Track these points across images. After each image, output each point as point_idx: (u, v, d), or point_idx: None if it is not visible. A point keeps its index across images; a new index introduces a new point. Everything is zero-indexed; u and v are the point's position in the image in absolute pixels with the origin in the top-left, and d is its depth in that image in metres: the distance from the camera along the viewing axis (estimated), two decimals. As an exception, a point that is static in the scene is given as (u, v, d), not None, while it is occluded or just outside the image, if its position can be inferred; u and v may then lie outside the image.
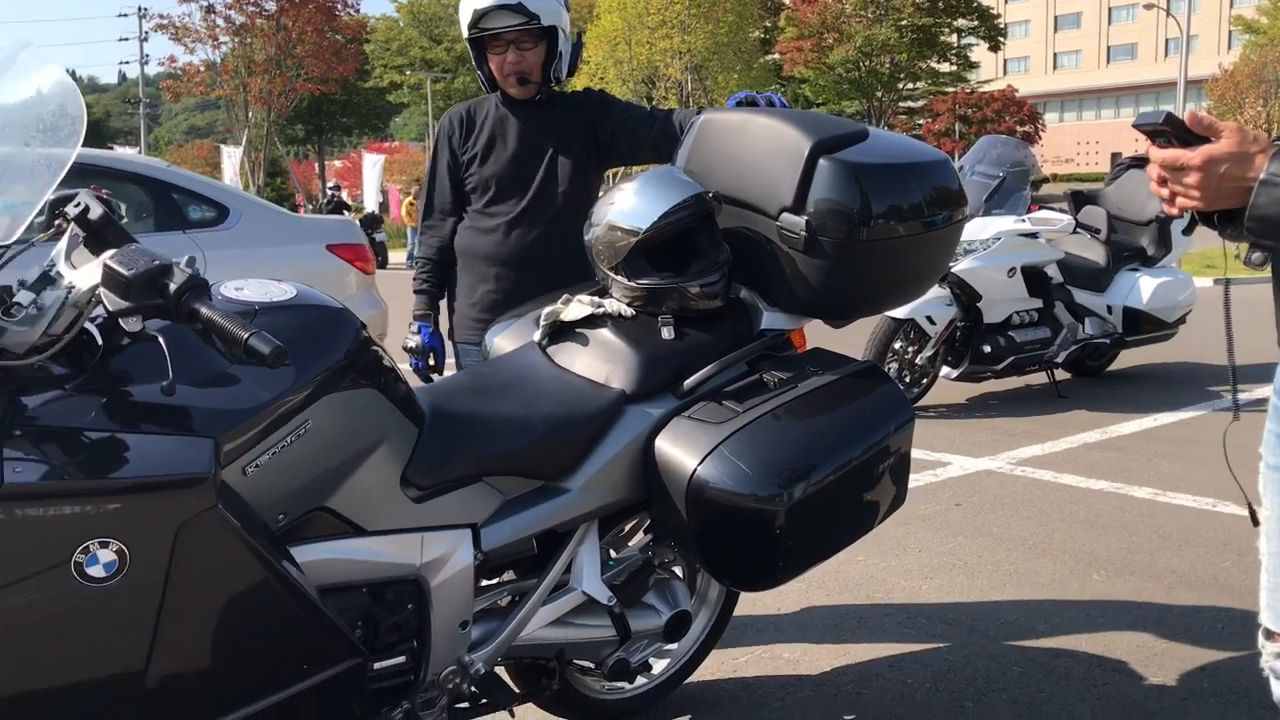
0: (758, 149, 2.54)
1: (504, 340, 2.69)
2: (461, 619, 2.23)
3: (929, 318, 6.35)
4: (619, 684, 2.74)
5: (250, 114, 34.77)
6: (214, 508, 1.71)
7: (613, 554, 2.57)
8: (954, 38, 41.87)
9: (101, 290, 1.70)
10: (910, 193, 2.53)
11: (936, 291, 6.40)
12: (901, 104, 42.69)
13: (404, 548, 2.14)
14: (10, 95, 1.84)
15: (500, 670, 2.53)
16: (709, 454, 2.27)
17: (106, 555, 1.65)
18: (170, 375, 1.67)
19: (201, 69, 35.05)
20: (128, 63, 68.49)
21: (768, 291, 2.60)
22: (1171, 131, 1.52)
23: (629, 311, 2.52)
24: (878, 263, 2.51)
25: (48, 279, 1.78)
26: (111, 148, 28.29)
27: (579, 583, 2.42)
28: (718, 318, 2.54)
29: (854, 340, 6.21)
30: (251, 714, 1.89)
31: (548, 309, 2.56)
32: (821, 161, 2.43)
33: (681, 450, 2.31)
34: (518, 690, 2.53)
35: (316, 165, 51.71)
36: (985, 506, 4.59)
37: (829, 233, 2.42)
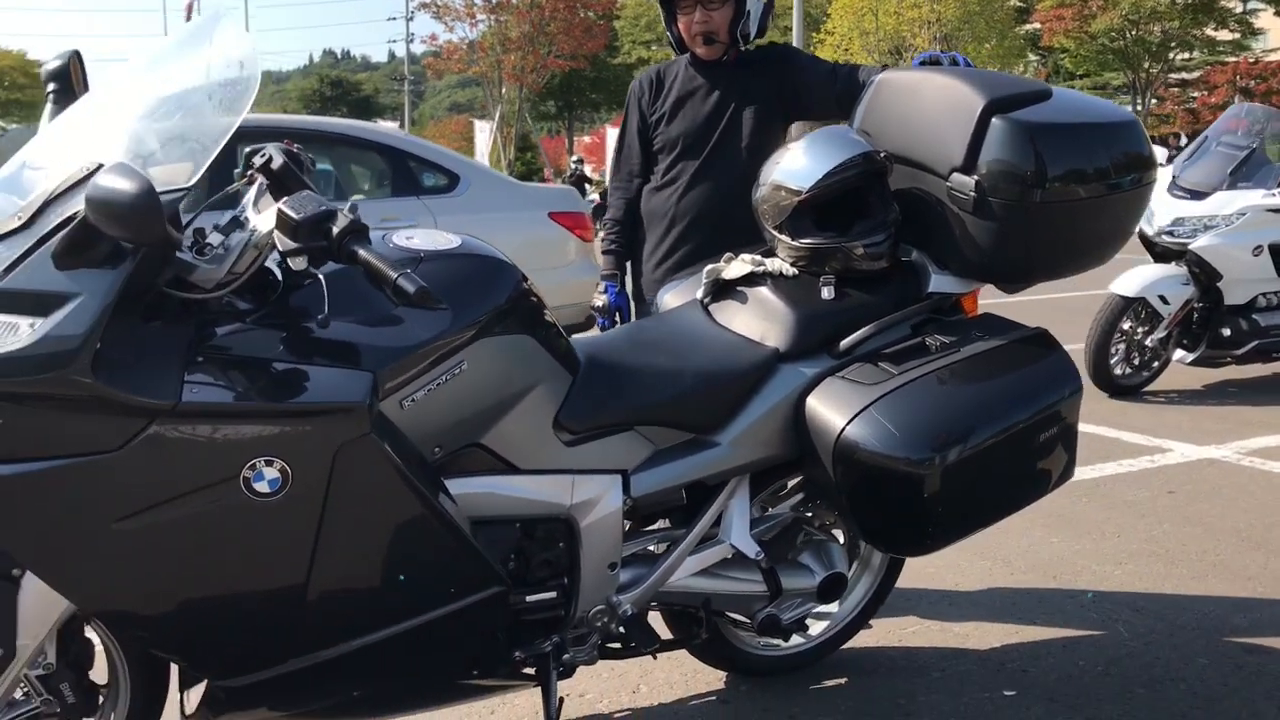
0: (931, 108, 2.50)
1: (673, 298, 2.75)
2: (610, 560, 2.32)
3: (1162, 297, 5.99)
4: (773, 640, 2.77)
5: (504, 90, 36.11)
6: (368, 435, 1.86)
7: (765, 510, 2.59)
8: (1235, 2, 38.79)
9: (275, 232, 1.86)
10: (1091, 154, 2.43)
11: (1172, 269, 6.04)
12: (1173, 75, 39.94)
13: (555, 487, 2.24)
14: (205, 55, 2.03)
15: (656, 616, 2.61)
16: (858, 414, 2.27)
17: (271, 472, 1.82)
18: (325, 311, 1.82)
19: (460, 47, 36.65)
20: (395, 41, 72.30)
21: (938, 254, 2.55)
22: None
23: (791, 271, 2.53)
24: (1053, 226, 2.43)
25: (236, 223, 1.96)
26: (376, 121, 30.05)
27: (727, 535, 2.46)
28: (883, 279, 2.52)
29: (1080, 320, 5.96)
30: (402, 631, 2.05)
31: (710, 266, 2.60)
32: (995, 121, 2.36)
33: (831, 409, 2.32)
34: (669, 636, 2.60)
35: (566, 140, 53.17)
36: (1201, 495, 4.33)
37: (1000, 194, 2.36)
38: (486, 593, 2.08)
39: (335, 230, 1.83)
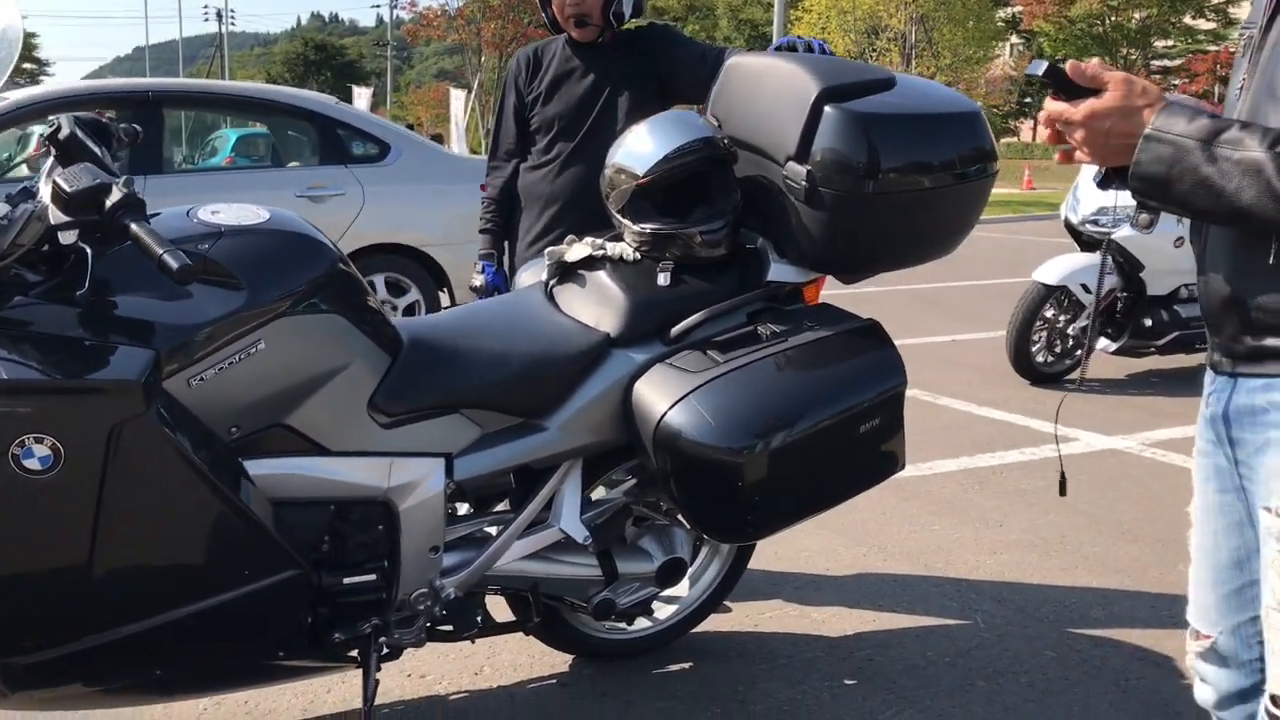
0: (772, 94, 2.48)
1: (528, 277, 2.74)
2: (432, 544, 2.31)
3: (1084, 285, 6.00)
4: (619, 624, 2.77)
5: (484, 58, 35.86)
6: (143, 414, 1.83)
7: (597, 495, 2.58)
8: (1213, -8, 38.80)
9: (49, 205, 1.83)
10: (928, 146, 2.42)
11: (1093, 259, 6.04)
12: (1154, 62, 39.97)
13: (369, 470, 2.23)
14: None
15: (499, 600, 2.60)
16: (677, 402, 2.26)
17: (42, 450, 1.79)
18: (86, 286, 1.79)
19: (440, 13, 36.37)
20: (380, 5, 71.62)
21: (778, 242, 2.54)
22: (1055, 84, 1.41)
23: (632, 256, 2.52)
24: (887, 217, 2.41)
25: (27, 194, 1.93)
26: (350, 89, 29.74)
27: (556, 520, 2.46)
28: (721, 266, 2.51)
29: (1003, 306, 5.96)
30: (196, 611, 2.03)
31: (551, 249, 2.58)
32: (827, 109, 2.34)
33: (654, 396, 2.31)
34: (509, 619, 2.59)
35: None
36: (1095, 486, 4.35)
37: (832, 184, 2.35)
38: (281, 575, 2.06)
39: (108, 203, 1.80)
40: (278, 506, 2.14)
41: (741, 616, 3.10)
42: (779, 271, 2.53)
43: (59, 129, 1.95)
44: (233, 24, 70.94)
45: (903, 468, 2.50)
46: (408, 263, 6.42)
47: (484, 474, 2.36)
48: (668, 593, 2.85)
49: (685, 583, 2.87)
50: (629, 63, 3.10)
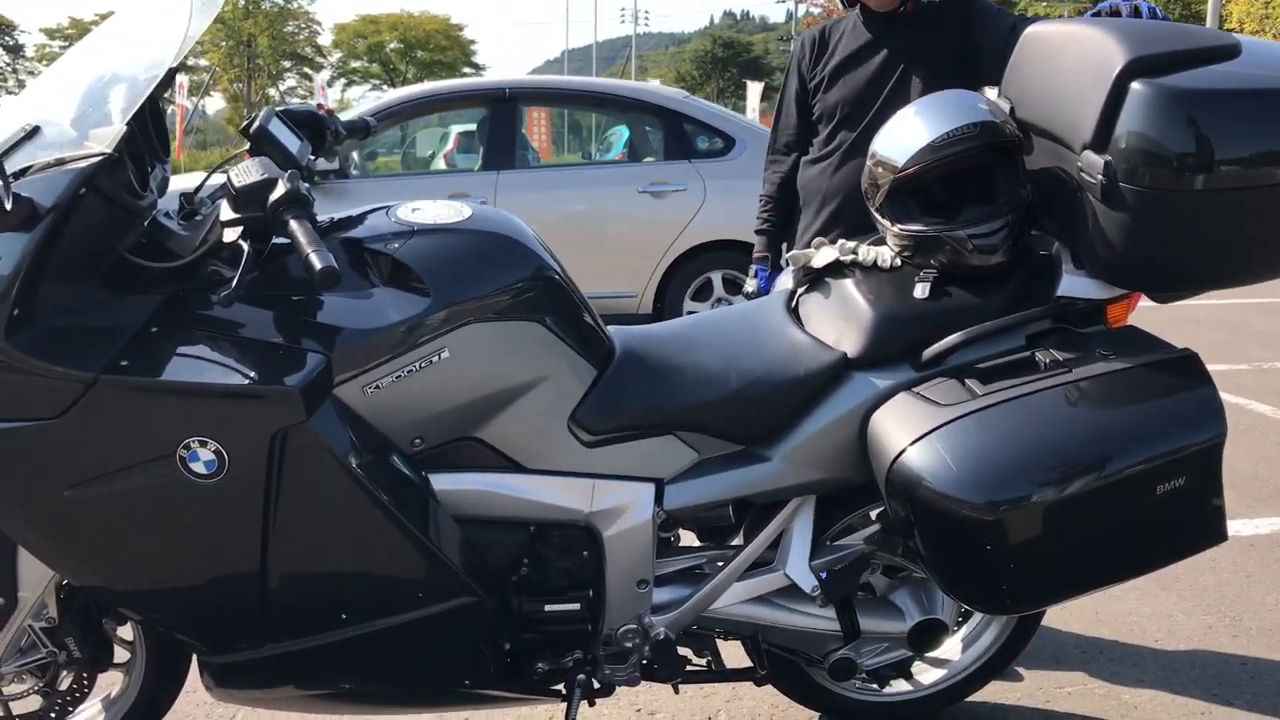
0: (1071, 68, 2.04)
1: (786, 282, 2.44)
2: (640, 577, 2.09)
3: None
4: (870, 685, 2.42)
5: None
6: (304, 423, 1.73)
7: (838, 540, 2.23)
8: None
9: (223, 201, 1.77)
10: (1267, 130, 1.87)
11: None
12: None
13: (569, 491, 2.03)
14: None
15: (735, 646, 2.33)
16: (917, 440, 1.89)
17: (206, 454, 1.74)
18: (232, 287, 1.71)
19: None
20: (784, 1, 72.42)
21: (1076, 249, 2.09)
22: None
23: (890, 262, 2.16)
24: (1215, 222, 1.91)
25: (224, 191, 1.90)
26: (746, 84, 30.01)
27: (782, 564, 2.15)
28: (1000, 277, 2.09)
29: None
30: (374, 632, 1.92)
31: (794, 253, 2.27)
32: (1134, 86, 1.88)
33: (890, 430, 1.95)
34: (731, 668, 2.31)
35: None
36: None
37: (1137, 179, 1.88)
38: (455, 601, 1.91)
39: (270, 199, 1.71)
40: (470, 525, 2.00)
41: (1033, 687, 2.63)
42: (1071, 285, 2.07)
43: (251, 123, 1.90)
44: (646, 24, 74.33)
45: (1223, 539, 1.96)
46: (747, 260, 6.22)
47: (698, 504, 2.10)
48: (939, 654, 2.46)
49: (956, 644, 2.46)
50: (929, 36, 2.71)
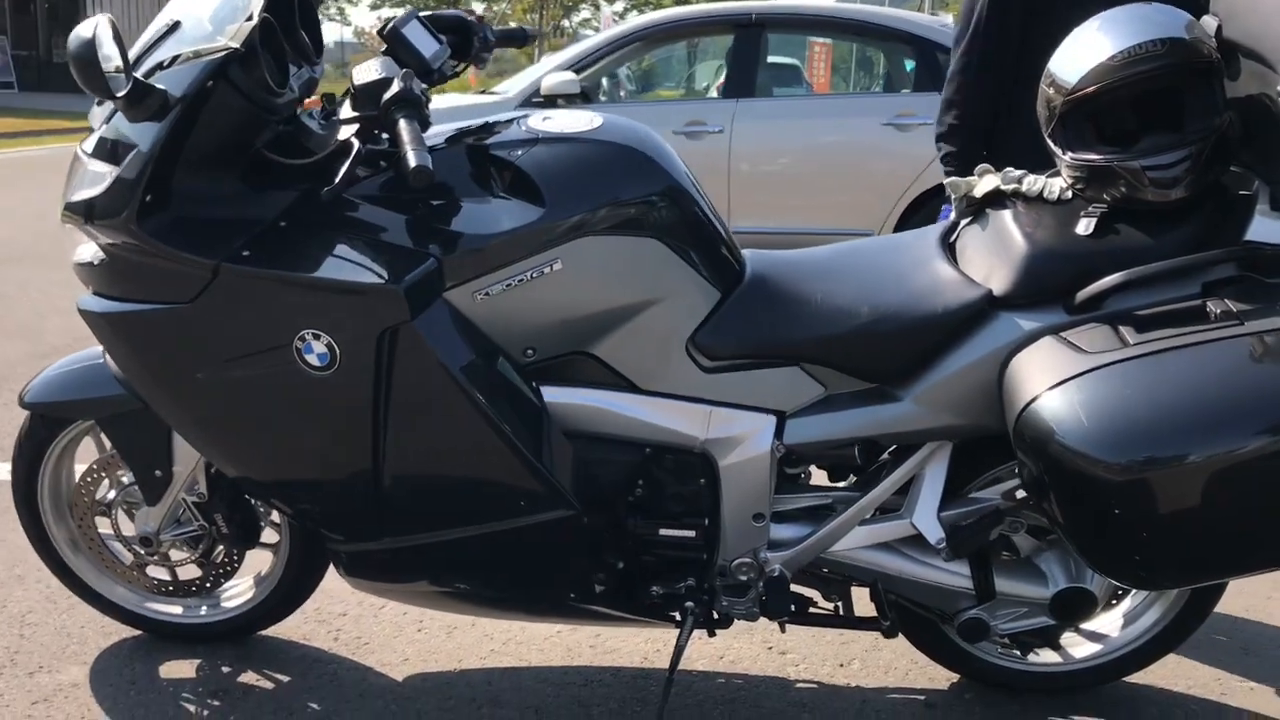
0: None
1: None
2: (756, 510, 2.02)
3: None
4: (1012, 651, 2.25)
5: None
6: (408, 322, 1.76)
7: (970, 493, 2.07)
8: None
9: (349, 101, 1.80)
10: None
11: None
12: None
13: (683, 416, 1.99)
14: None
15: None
16: (1051, 388, 1.72)
17: (320, 346, 1.80)
18: (335, 184, 1.74)
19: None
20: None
21: (1276, 188, 1.82)
22: None
23: (1058, 194, 1.96)
24: None
25: None
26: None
27: (910, 511, 2.03)
28: (1180, 216, 1.86)
29: None
30: (476, 535, 1.96)
31: (953, 180, 2.10)
32: (1352, -1, 1.61)
33: (1027, 376, 1.78)
34: (846, 613, 2.20)
35: None
36: None
37: (1346, 107, 1.62)
38: (553, 514, 1.91)
39: (384, 98, 1.73)
40: (582, 440, 1.98)
41: (1209, 677, 2.38)
42: (1264, 229, 1.82)
43: (386, 25, 1.91)
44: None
45: None
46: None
47: (822, 441, 2.00)
48: (1093, 626, 2.27)
49: (1116, 618, 2.26)
50: None
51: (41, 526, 2.32)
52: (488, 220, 1.85)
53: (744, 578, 2.06)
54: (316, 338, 1.79)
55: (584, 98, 6.17)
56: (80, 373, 2.18)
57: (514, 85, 6.24)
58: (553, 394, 1.96)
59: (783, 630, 2.23)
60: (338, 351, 1.79)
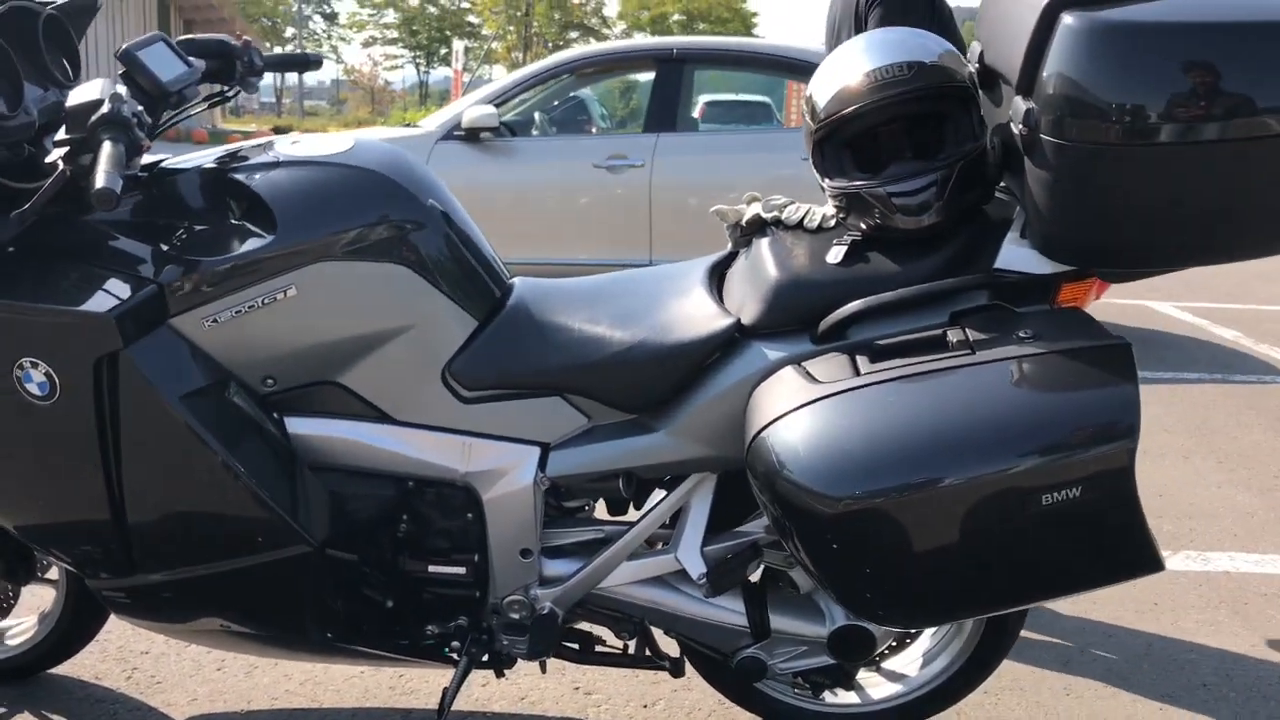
0: (1012, 4, 1.74)
1: None
2: (523, 545, 1.96)
3: None
4: (805, 692, 2.19)
5: None
6: (121, 350, 1.71)
7: (736, 526, 2.01)
8: None
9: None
10: (1239, 71, 1.53)
11: None
12: None
13: (440, 447, 1.93)
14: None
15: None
16: (777, 419, 1.67)
17: (38, 375, 1.75)
18: (26, 208, 1.70)
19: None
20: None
21: (1027, 214, 1.79)
22: None
23: (818, 222, 1.93)
24: (1156, 183, 1.59)
25: None
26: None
27: (675, 546, 1.97)
28: (933, 244, 1.82)
29: None
30: (222, 573, 1.89)
31: (721, 208, 2.06)
32: (1065, 20, 1.60)
33: (760, 407, 1.73)
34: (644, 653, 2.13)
35: None
36: None
37: (1062, 130, 1.59)
38: (288, 551, 1.84)
39: (90, 120, 1.68)
40: (336, 474, 1.93)
41: (1022, 718, 2.32)
42: (1011, 257, 1.78)
43: (122, 48, 1.88)
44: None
45: (1156, 567, 1.63)
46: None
47: (583, 473, 1.95)
48: (892, 666, 2.21)
49: (915, 658, 2.20)
50: None
51: None
52: (217, 245, 1.81)
53: (516, 616, 2.00)
54: (35, 366, 1.74)
55: (510, 131, 6.17)
56: None
57: (435, 119, 6.23)
58: (298, 425, 1.91)
59: (543, 670, 2.16)
60: (56, 380, 1.74)
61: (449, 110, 6.33)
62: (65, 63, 1.99)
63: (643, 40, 6.12)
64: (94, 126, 1.67)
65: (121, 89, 1.74)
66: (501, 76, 7.31)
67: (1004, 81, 1.83)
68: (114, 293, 1.74)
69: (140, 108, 1.73)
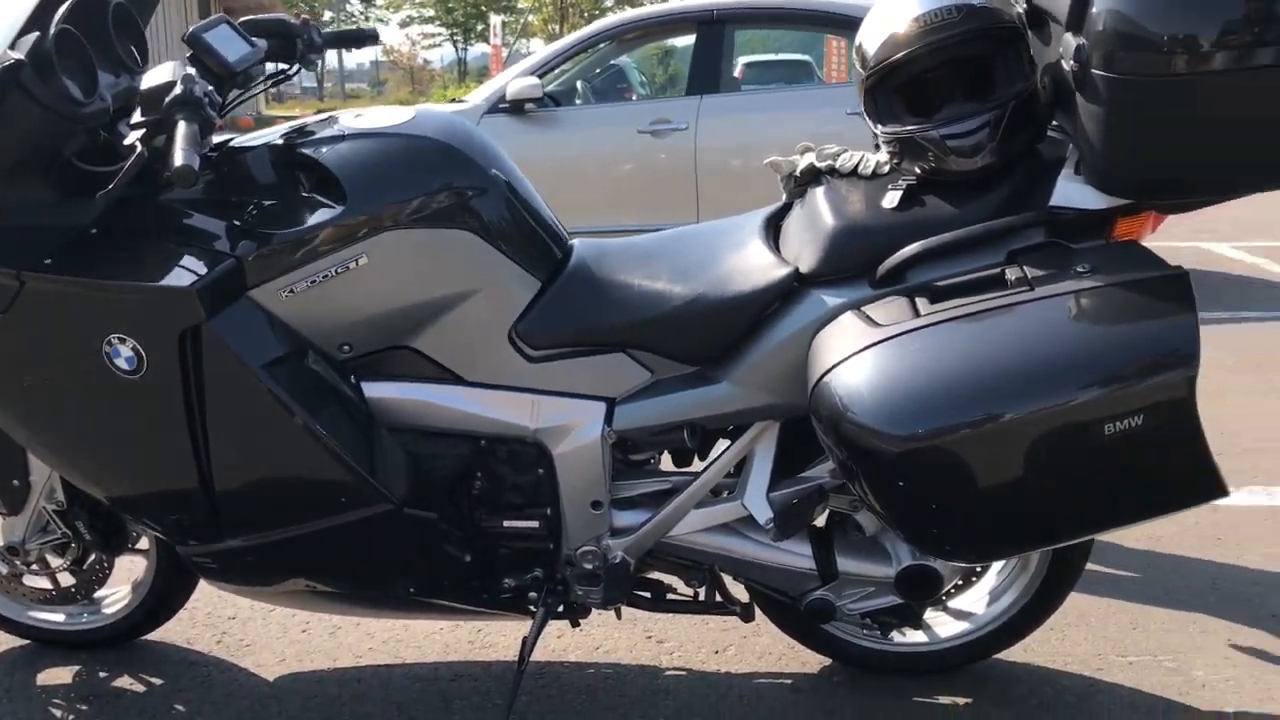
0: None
1: None
2: (594, 497, 2.02)
3: None
4: (874, 632, 2.24)
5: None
6: (204, 322, 1.78)
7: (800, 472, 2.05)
8: None
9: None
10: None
11: None
12: None
13: (510, 406, 1.99)
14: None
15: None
16: (839, 363, 1.71)
17: (126, 350, 1.82)
18: (109, 188, 1.76)
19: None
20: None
21: (1078, 151, 1.80)
22: None
23: (873, 169, 1.95)
24: (1211, 116, 1.60)
25: None
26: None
27: (741, 493, 2.01)
28: (987, 185, 1.84)
29: None
30: (308, 534, 1.96)
31: (775, 160, 2.09)
32: (1113, -48, 1.59)
33: (822, 353, 1.77)
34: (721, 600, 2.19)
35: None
36: None
37: (1114, 65, 1.60)
38: (372, 509, 1.91)
39: (165, 101, 1.75)
40: (411, 434, 1.99)
41: (1089, 652, 2.35)
42: (1066, 193, 1.80)
43: (189, 31, 1.94)
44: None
45: (1221, 493, 1.65)
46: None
47: (649, 426, 2.00)
48: (958, 604, 2.25)
49: (981, 596, 2.24)
50: None
51: None
52: (289, 218, 1.87)
53: (589, 566, 2.06)
54: (123, 341, 1.81)
55: (554, 101, 6.21)
56: None
57: (480, 93, 6.27)
58: (375, 389, 1.97)
59: (619, 616, 2.22)
60: (143, 355, 1.81)
61: (492, 84, 6.36)
62: (134, 49, 2.05)
63: (682, 3, 6.10)
64: (169, 108, 1.74)
65: (191, 70, 1.80)
66: (539, 50, 7.27)
67: (1052, 20, 1.84)
68: (193, 268, 1.81)
69: (210, 88, 1.79)
